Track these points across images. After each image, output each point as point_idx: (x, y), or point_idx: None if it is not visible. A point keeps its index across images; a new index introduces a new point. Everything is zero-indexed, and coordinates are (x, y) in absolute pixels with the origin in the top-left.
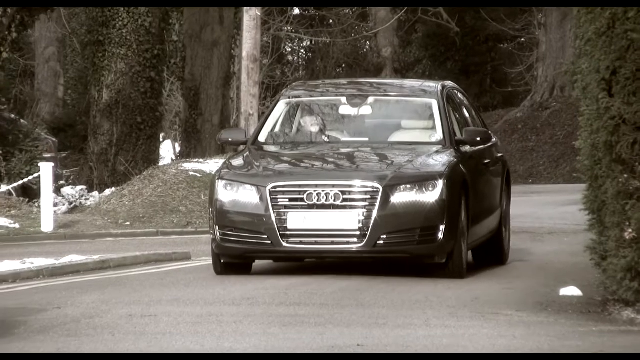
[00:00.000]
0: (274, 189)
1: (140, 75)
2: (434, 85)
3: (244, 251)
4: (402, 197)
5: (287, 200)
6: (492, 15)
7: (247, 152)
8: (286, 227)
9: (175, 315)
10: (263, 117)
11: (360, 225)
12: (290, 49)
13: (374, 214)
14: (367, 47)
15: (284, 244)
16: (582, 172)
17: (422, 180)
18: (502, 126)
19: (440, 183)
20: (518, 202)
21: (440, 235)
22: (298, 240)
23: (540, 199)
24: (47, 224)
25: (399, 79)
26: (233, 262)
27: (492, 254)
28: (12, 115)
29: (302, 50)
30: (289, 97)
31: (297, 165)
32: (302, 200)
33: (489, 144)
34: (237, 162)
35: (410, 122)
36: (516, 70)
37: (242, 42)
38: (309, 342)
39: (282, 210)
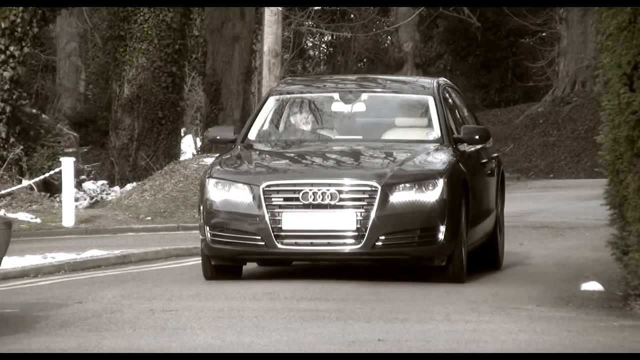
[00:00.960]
0: (267, 188)
1: (161, 70)
2: (429, 82)
3: (235, 253)
4: (402, 196)
5: (282, 199)
6: (513, 10)
7: (238, 150)
8: (280, 227)
9: (196, 310)
10: (252, 114)
11: (358, 225)
12: (311, 44)
13: (372, 214)
14: (388, 41)
15: (279, 245)
16: (604, 166)
17: (422, 179)
18: (523, 121)
19: (440, 182)
20: (539, 196)
21: (441, 237)
22: (293, 241)
23: (562, 194)
24: (68, 219)
25: (394, 75)
26: (224, 264)
27: (487, 258)
28: (34, 110)
29: (323, 45)
30: (278, 94)
31: (292, 163)
32: (297, 199)
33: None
34: (228, 159)
35: (406, 119)
36: (537, 65)
37: (263, 36)
38: (329, 337)
39: (276, 210)
